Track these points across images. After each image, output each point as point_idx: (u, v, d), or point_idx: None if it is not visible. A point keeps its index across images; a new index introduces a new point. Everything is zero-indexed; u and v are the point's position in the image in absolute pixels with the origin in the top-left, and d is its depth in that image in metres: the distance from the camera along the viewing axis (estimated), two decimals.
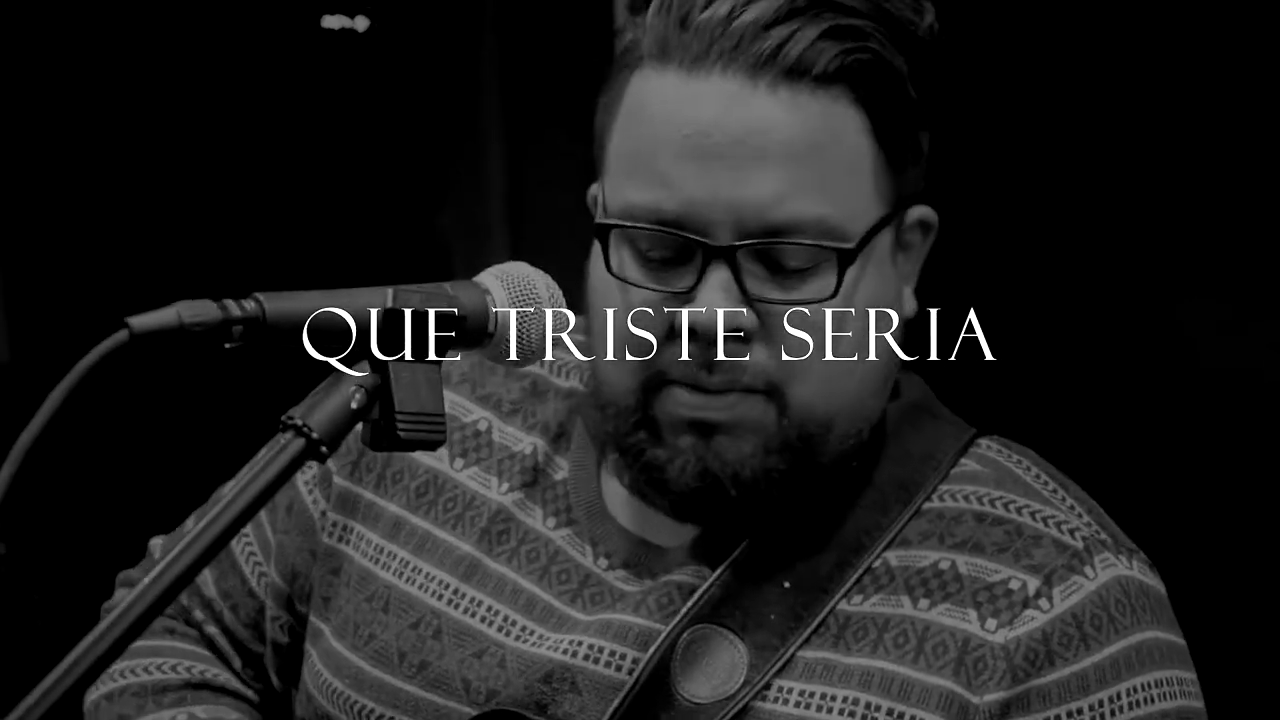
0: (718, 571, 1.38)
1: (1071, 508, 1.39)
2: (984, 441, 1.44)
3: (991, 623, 1.33)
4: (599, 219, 1.37)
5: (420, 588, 1.46)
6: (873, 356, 1.37)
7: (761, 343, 1.32)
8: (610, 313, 1.36)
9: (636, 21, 1.36)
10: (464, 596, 1.45)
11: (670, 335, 1.33)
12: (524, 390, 1.53)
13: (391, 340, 1.19)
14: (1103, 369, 3.34)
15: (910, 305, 1.42)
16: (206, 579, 1.60)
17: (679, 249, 1.32)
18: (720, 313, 1.30)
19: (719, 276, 1.30)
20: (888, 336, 1.39)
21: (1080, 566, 1.34)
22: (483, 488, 1.49)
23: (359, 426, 1.18)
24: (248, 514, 1.13)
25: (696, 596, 1.37)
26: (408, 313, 1.19)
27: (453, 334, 1.22)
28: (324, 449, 1.15)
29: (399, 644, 1.45)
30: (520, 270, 1.28)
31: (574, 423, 1.50)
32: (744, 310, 1.31)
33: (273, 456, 1.15)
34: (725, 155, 1.30)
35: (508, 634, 1.42)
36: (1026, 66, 3.31)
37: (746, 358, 1.32)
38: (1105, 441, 3.27)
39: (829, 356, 1.33)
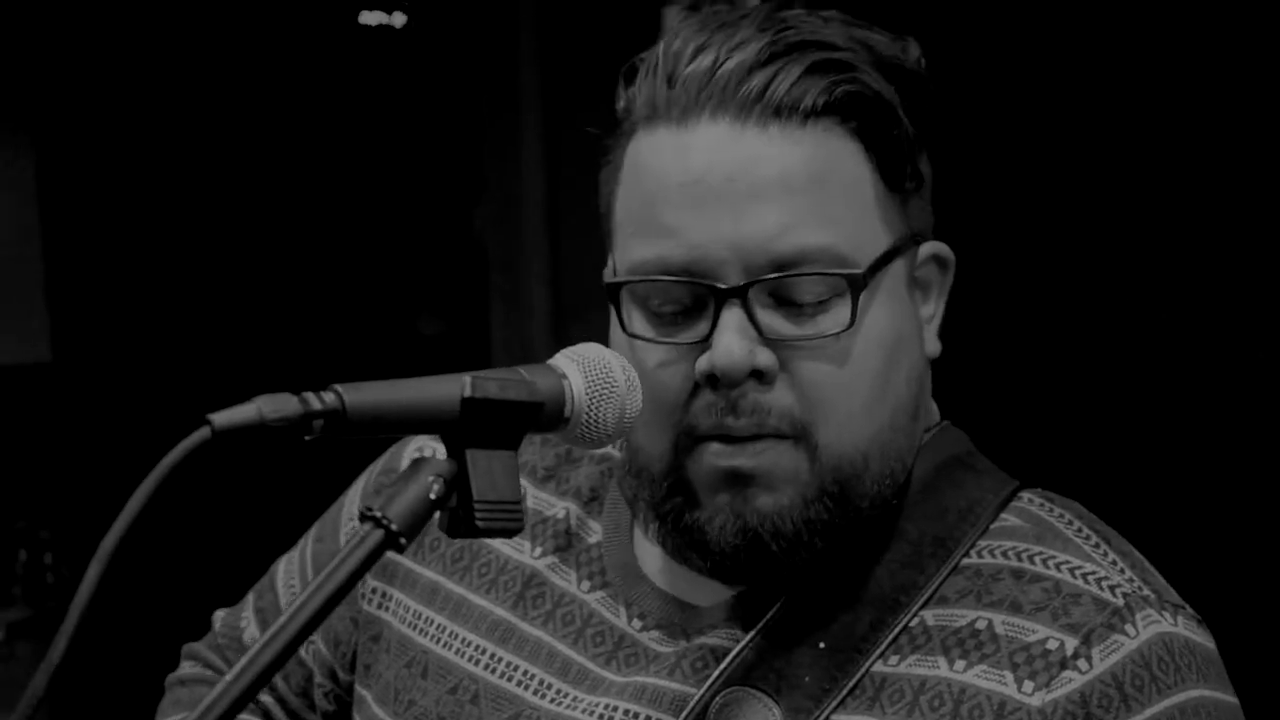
0: (751, 634, 1.36)
1: (1114, 563, 1.35)
2: (1026, 494, 1.41)
3: (1029, 685, 1.28)
4: (608, 280, 1.36)
5: (457, 653, 1.46)
6: (898, 391, 1.35)
7: (783, 382, 1.31)
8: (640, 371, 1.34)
9: (628, 92, 1.37)
10: (500, 660, 1.45)
11: (694, 389, 1.32)
12: (558, 457, 1.53)
13: (470, 428, 1.19)
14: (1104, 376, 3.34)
15: (934, 346, 1.41)
16: (255, 640, 1.60)
17: (691, 298, 1.31)
18: (738, 353, 1.29)
19: (733, 318, 1.29)
20: (912, 373, 1.37)
21: (1121, 625, 1.30)
22: (516, 552, 1.49)
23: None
24: (330, 605, 1.14)
25: (730, 659, 1.35)
26: (486, 400, 1.19)
27: (530, 421, 1.22)
28: (403, 540, 1.16)
29: (438, 710, 1.45)
30: (596, 353, 1.28)
31: (606, 486, 1.49)
32: (762, 349, 1.30)
33: (353, 548, 1.15)
34: (722, 196, 1.29)
35: (543, 697, 1.41)
36: (1018, 79, 3.30)
37: (770, 398, 1.31)
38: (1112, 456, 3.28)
39: (851, 390, 1.32)
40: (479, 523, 1.19)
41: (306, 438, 1.15)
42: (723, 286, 1.29)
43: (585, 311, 6.94)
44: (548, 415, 1.24)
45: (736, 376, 1.29)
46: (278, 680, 1.60)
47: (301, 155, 6.32)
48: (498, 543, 1.48)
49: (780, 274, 1.29)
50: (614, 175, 1.37)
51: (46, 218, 6.16)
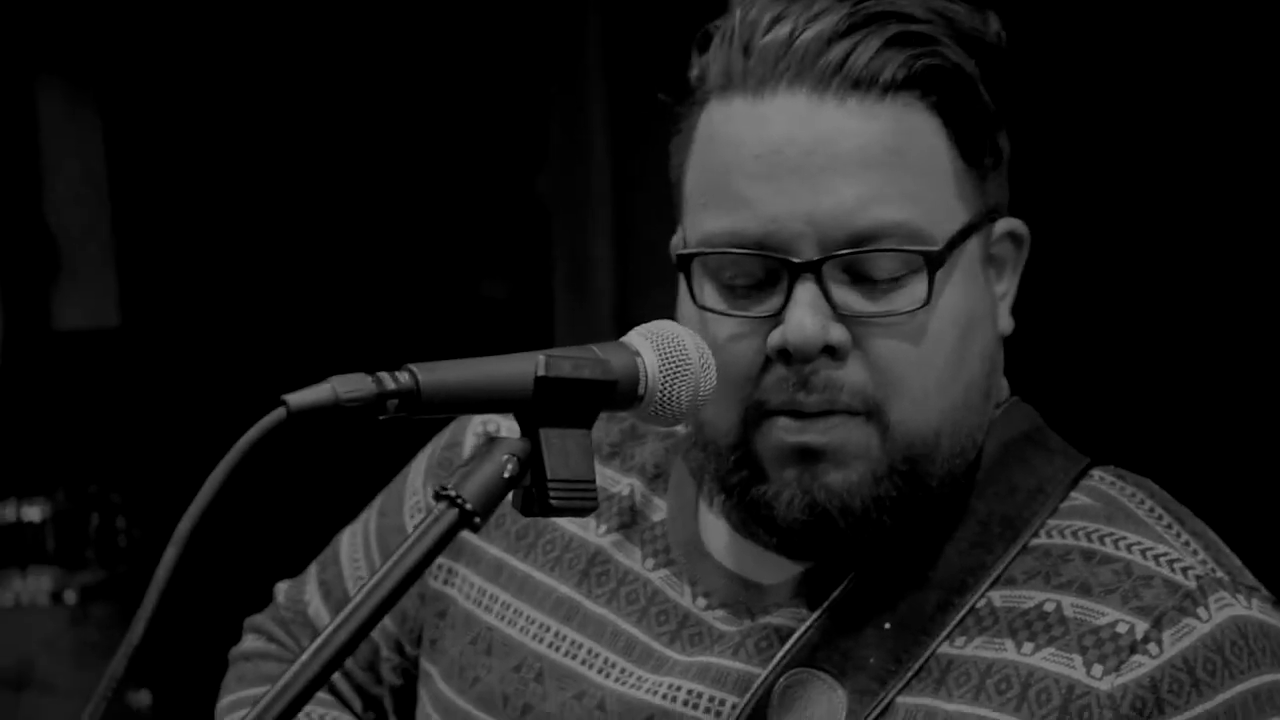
0: (815, 614, 1.35)
1: (1186, 544, 1.33)
2: (1097, 473, 1.39)
3: (1098, 669, 1.26)
4: (679, 252, 1.35)
5: (521, 630, 1.46)
6: (971, 369, 1.33)
7: (856, 359, 1.29)
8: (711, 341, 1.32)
9: (701, 60, 1.35)
10: (564, 639, 1.44)
11: (765, 364, 1.30)
12: (622, 433, 1.52)
13: (544, 407, 1.19)
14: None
15: (1007, 323, 1.39)
16: (325, 620, 1.61)
17: (764, 271, 1.30)
18: (811, 328, 1.27)
19: (807, 293, 1.28)
20: (985, 350, 1.35)
21: (1193, 608, 1.27)
22: (581, 530, 1.48)
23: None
24: (406, 583, 1.15)
25: (794, 639, 1.34)
26: (560, 379, 1.19)
27: (604, 399, 1.22)
28: (477, 519, 1.16)
29: (502, 687, 1.45)
30: (670, 330, 1.27)
31: (671, 463, 1.48)
32: (836, 325, 1.28)
33: (428, 526, 1.16)
34: (799, 169, 1.27)
35: (607, 676, 1.41)
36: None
37: (843, 374, 1.29)
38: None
39: (925, 368, 1.30)
40: (553, 501, 1.19)
41: (381, 418, 1.16)
42: (797, 261, 1.28)
43: (648, 275, 6.93)
44: (621, 393, 1.24)
45: (809, 352, 1.28)
46: None
47: (367, 119, 6.33)
48: (563, 520, 1.48)
49: (856, 250, 1.28)
50: (686, 144, 1.36)
51: (115, 183, 6.21)
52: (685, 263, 1.33)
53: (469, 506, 1.16)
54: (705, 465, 1.38)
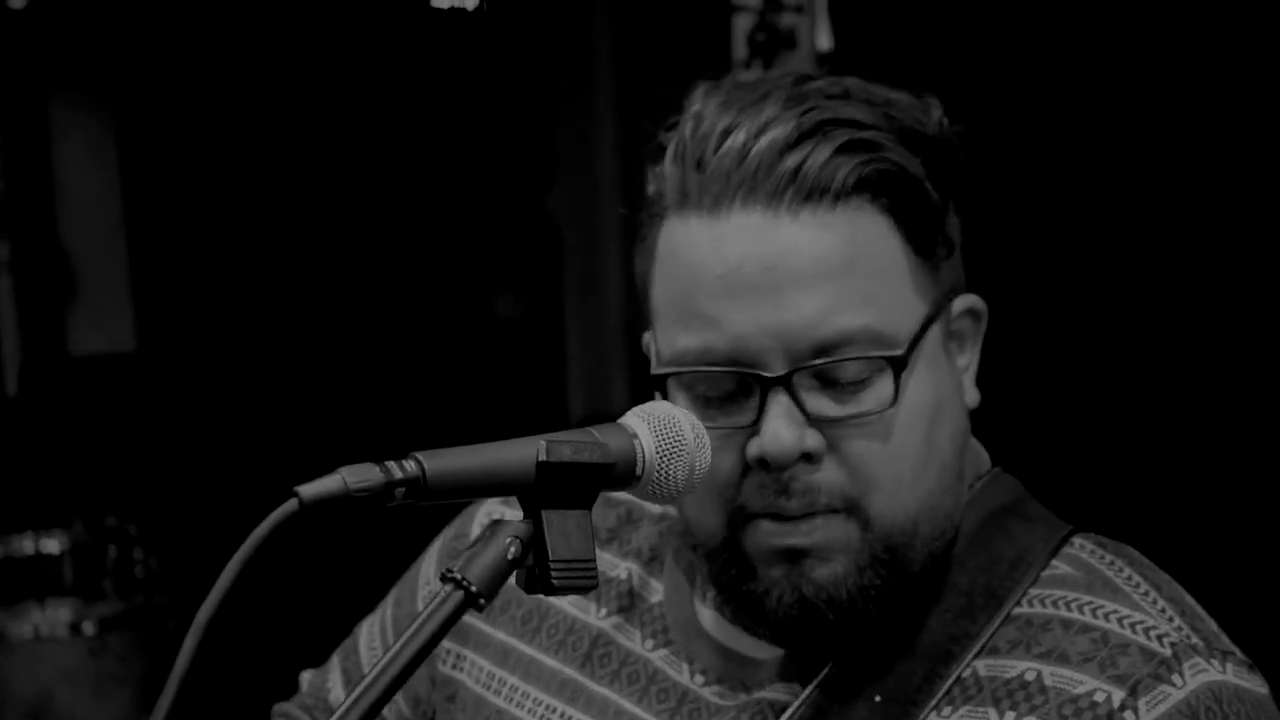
0: (807, 690, 1.38)
1: (1162, 611, 1.35)
2: (1078, 540, 1.42)
3: None
4: (654, 370, 1.39)
5: (529, 712, 1.51)
6: (942, 453, 1.37)
7: (831, 460, 1.33)
8: None
9: (656, 172, 1.38)
10: (569, 719, 1.48)
11: (744, 470, 1.34)
12: (619, 518, 1.56)
13: (545, 490, 1.23)
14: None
15: (972, 396, 1.42)
16: (340, 701, 1.65)
17: (736, 384, 1.34)
18: (788, 439, 1.31)
19: (779, 404, 1.32)
20: (954, 431, 1.39)
21: (1168, 675, 1.30)
22: (582, 613, 1.53)
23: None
24: (414, 664, 1.19)
25: (788, 716, 1.38)
26: (561, 464, 1.23)
27: (603, 480, 1.26)
28: (482, 600, 1.20)
29: None
30: (665, 411, 1.30)
31: (666, 546, 1.52)
32: (810, 431, 1.32)
33: (435, 608, 1.19)
34: (760, 285, 1.31)
35: None
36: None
37: (820, 478, 1.33)
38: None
39: (898, 461, 1.33)
40: (555, 581, 1.23)
41: (389, 505, 1.19)
42: (768, 375, 1.32)
43: (635, 261, 6.92)
44: (619, 474, 1.27)
45: (786, 461, 1.32)
46: None
47: (378, 139, 6.36)
48: (565, 604, 1.53)
49: (823, 360, 1.32)
50: (649, 258, 1.39)
51: (130, 206, 6.24)
52: (660, 381, 1.37)
53: (474, 588, 1.20)
54: (696, 564, 1.43)
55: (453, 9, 6.59)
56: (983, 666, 1.35)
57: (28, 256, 6.18)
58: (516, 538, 1.22)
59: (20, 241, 6.20)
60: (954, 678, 1.35)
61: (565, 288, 6.93)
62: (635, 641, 1.49)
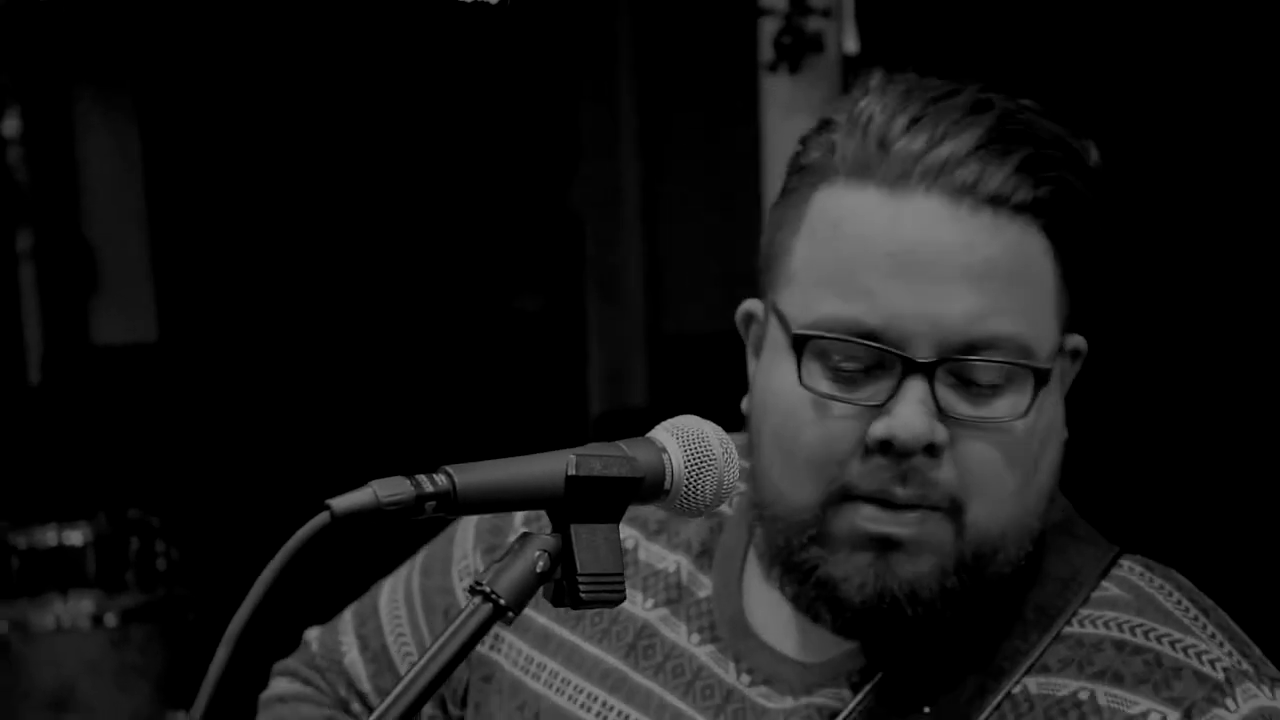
0: (859, 697, 1.39)
1: (1213, 636, 1.37)
2: (1126, 563, 1.43)
3: None
4: (796, 330, 1.36)
5: (569, 699, 1.50)
6: (1044, 477, 1.38)
7: (949, 458, 1.33)
8: (797, 424, 1.36)
9: (820, 140, 1.38)
10: (611, 709, 1.48)
11: (857, 449, 1.34)
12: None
13: (573, 505, 1.24)
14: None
15: (1063, 432, 1.43)
16: (361, 674, 1.65)
17: (873, 362, 1.33)
18: (920, 426, 1.31)
19: (916, 390, 1.31)
20: (1055, 459, 1.39)
21: (1222, 699, 1.32)
22: (629, 604, 1.52)
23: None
24: (443, 675, 1.20)
25: None
26: (590, 478, 1.24)
27: (631, 494, 1.27)
28: (510, 614, 1.21)
29: None
30: (694, 426, 1.31)
31: (716, 541, 1.52)
32: (939, 425, 1.32)
33: (463, 621, 1.21)
34: (930, 272, 1.31)
35: None
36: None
37: (936, 472, 1.33)
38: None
39: (1008, 474, 1.34)
40: (583, 595, 1.23)
41: (419, 518, 1.20)
42: (914, 358, 1.32)
43: (679, 287, 6.96)
44: (648, 488, 1.28)
45: (913, 448, 1.32)
46: (378, 705, 1.65)
47: (401, 133, 6.37)
48: None
49: (973, 357, 1.32)
50: (794, 217, 1.39)
51: (152, 197, 6.26)
52: (800, 342, 1.36)
53: (503, 601, 1.21)
54: (772, 538, 1.41)
55: (477, 3, 6.60)
56: (1034, 684, 1.36)
57: (50, 247, 6.21)
58: (545, 551, 1.23)
59: (43, 232, 6.23)
60: (1004, 694, 1.36)
61: (587, 282, 6.93)
62: (681, 635, 1.49)
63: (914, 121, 1.33)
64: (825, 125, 1.39)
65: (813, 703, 1.41)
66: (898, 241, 1.32)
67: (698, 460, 1.29)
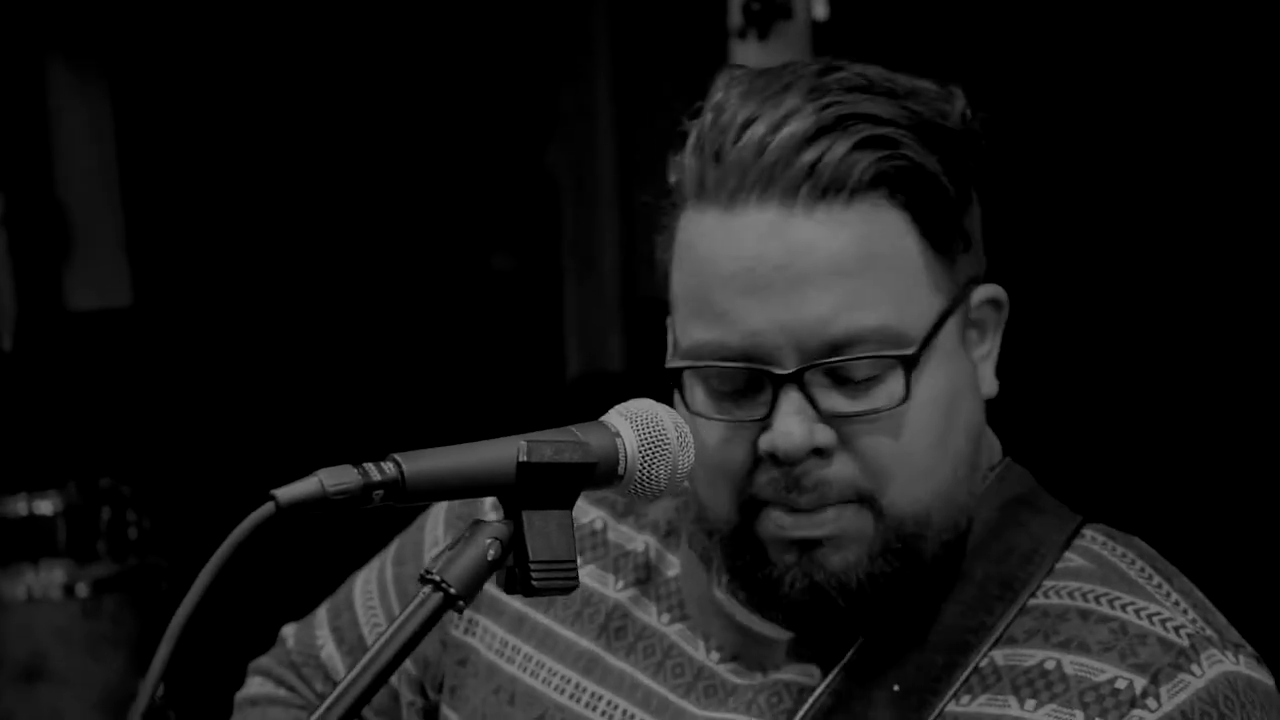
0: (828, 678, 1.40)
1: (1176, 603, 1.39)
2: (1088, 532, 1.44)
3: None
4: (669, 363, 1.41)
5: (544, 682, 1.51)
6: (957, 445, 1.38)
7: (844, 455, 1.35)
8: (699, 444, 1.37)
9: (676, 161, 1.39)
10: (585, 691, 1.49)
11: (756, 462, 1.36)
12: None
13: (525, 491, 1.23)
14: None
15: (990, 386, 1.43)
16: (339, 667, 1.65)
17: (750, 379, 1.35)
18: (798, 435, 1.32)
19: (791, 400, 1.33)
20: (969, 422, 1.40)
21: (1187, 664, 1.33)
22: (600, 585, 1.53)
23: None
24: (391, 666, 1.19)
25: (809, 704, 1.39)
26: (542, 464, 1.23)
27: (584, 480, 1.26)
28: (461, 602, 1.20)
29: None
30: (649, 409, 1.30)
31: (682, 520, 1.53)
32: (821, 427, 1.33)
33: (414, 610, 1.20)
34: (773, 283, 1.32)
35: None
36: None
37: (831, 472, 1.35)
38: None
39: (911, 455, 1.35)
40: (535, 583, 1.23)
41: (367, 508, 1.19)
42: (779, 372, 1.33)
43: (655, 249, 6.93)
44: (601, 473, 1.28)
45: (797, 456, 1.33)
46: None
47: (377, 96, 6.34)
48: (583, 575, 1.51)
49: (835, 359, 1.33)
50: (669, 247, 1.41)
51: (125, 160, 6.22)
52: (676, 374, 1.39)
53: (453, 590, 1.20)
54: (710, 548, 1.44)
55: None
56: (1000, 656, 1.37)
57: (23, 211, 6.16)
58: (496, 539, 1.22)
59: (16, 196, 6.18)
60: (972, 667, 1.37)
61: (562, 243, 6.92)
62: (651, 615, 1.50)
63: (745, 127, 1.33)
64: (679, 141, 1.39)
65: (780, 679, 1.42)
66: (739, 260, 1.33)
67: (652, 445, 1.29)
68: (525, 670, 1.53)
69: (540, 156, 6.80)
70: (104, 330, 5.98)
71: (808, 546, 1.36)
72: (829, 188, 1.31)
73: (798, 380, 1.33)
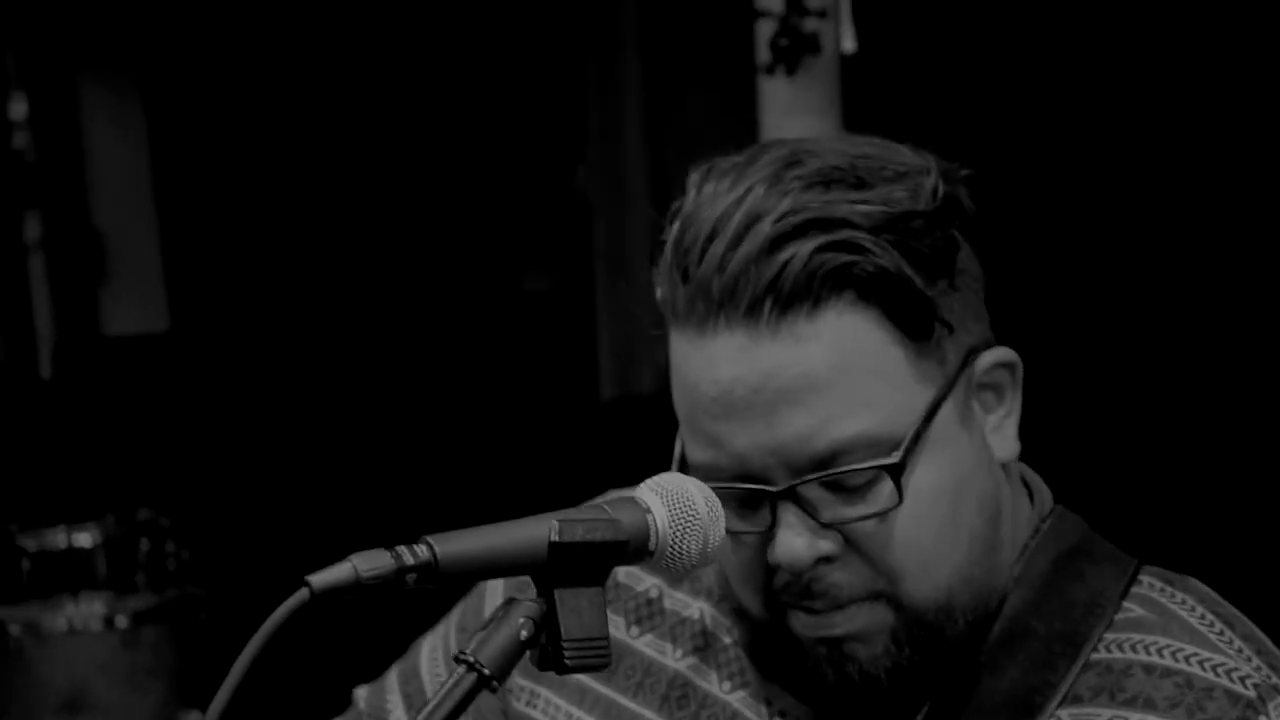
0: None
1: (1240, 650, 1.37)
2: (1144, 578, 1.43)
3: None
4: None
5: None
6: (971, 525, 1.37)
7: (853, 557, 1.34)
8: (719, 551, 1.36)
9: (657, 273, 1.37)
10: None
11: (771, 569, 1.36)
12: None
13: (557, 569, 1.24)
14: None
15: (1008, 449, 1.41)
16: None
17: (748, 495, 1.35)
18: (799, 549, 1.33)
19: (789, 515, 1.33)
20: (983, 499, 1.38)
21: (1254, 716, 1.32)
22: (659, 655, 1.52)
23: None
24: None
25: None
26: (573, 544, 1.24)
27: (615, 557, 1.27)
28: (495, 683, 1.21)
29: None
30: (679, 484, 1.30)
31: (723, 610, 1.52)
32: (824, 536, 1.33)
33: (448, 690, 1.21)
34: (752, 406, 1.31)
35: None
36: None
37: (842, 576, 1.34)
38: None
39: (919, 549, 1.34)
40: (568, 661, 1.24)
41: (401, 590, 1.20)
42: (773, 490, 1.33)
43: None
44: (633, 550, 1.27)
45: (801, 568, 1.34)
46: None
47: (411, 118, 6.36)
48: (642, 645, 1.53)
49: (821, 473, 1.32)
50: (669, 361, 1.40)
51: (160, 185, 6.26)
52: None
53: (486, 671, 1.21)
54: (746, 634, 1.44)
55: None
56: (1067, 716, 1.36)
57: (60, 236, 6.21)
58: (529, 618, 1.23)
59: (52, 220, 6.23)
60: None
61: (595, 262, 6.93)
62: (713, 683, 1.49)
63: (707, 243, 1.31)
64: (660, 247, 1.37)
65: None
66: (716, 385, 1.33)
67: (683, 520, 1.29)
68: None
69: (571, 177, 6.82)
70: (141, 355, 6.01)
71: (835, 643, 1.36)
72: (792, 301, 1.30)
73: (790, 495, 1.33)
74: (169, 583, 4.32)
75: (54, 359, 6.01)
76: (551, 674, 1.54)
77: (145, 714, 4.20)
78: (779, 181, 1.33)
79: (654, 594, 1.55)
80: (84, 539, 4.25)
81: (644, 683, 1.52)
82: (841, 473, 1.32)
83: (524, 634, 1.22)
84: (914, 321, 1.34)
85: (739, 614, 1.44)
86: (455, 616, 1.67)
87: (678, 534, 1.29)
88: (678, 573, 1.32)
